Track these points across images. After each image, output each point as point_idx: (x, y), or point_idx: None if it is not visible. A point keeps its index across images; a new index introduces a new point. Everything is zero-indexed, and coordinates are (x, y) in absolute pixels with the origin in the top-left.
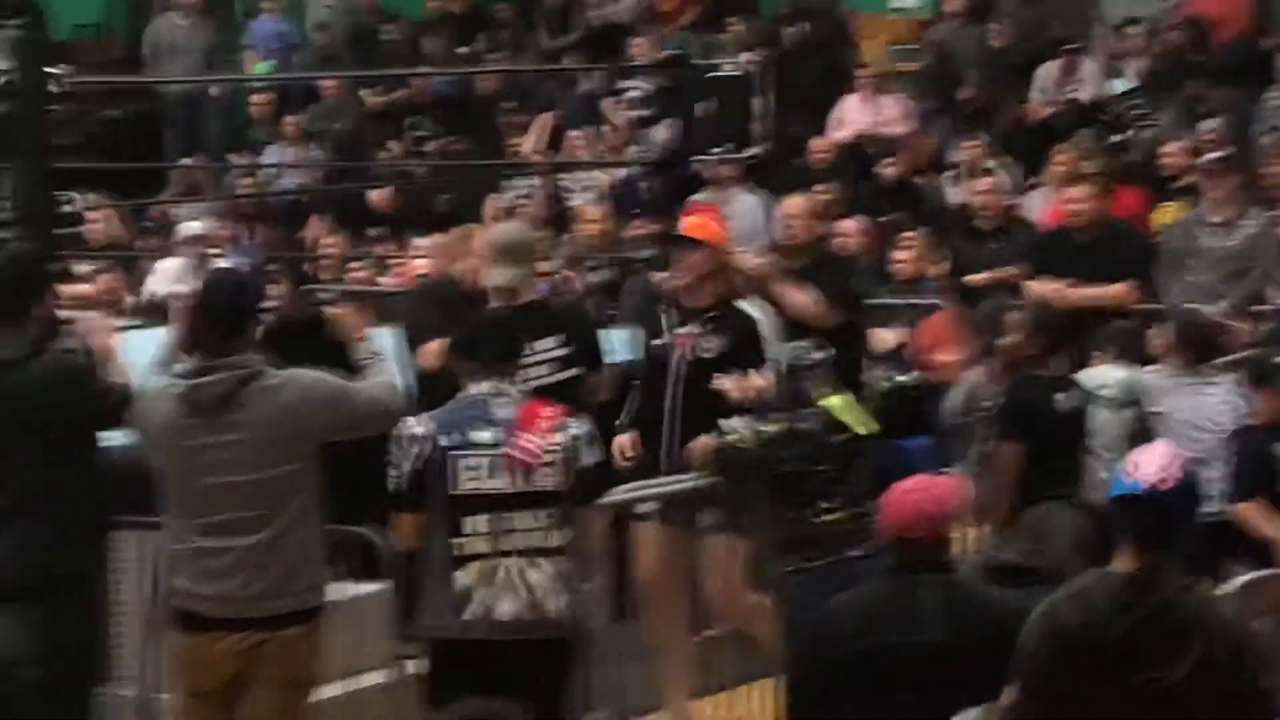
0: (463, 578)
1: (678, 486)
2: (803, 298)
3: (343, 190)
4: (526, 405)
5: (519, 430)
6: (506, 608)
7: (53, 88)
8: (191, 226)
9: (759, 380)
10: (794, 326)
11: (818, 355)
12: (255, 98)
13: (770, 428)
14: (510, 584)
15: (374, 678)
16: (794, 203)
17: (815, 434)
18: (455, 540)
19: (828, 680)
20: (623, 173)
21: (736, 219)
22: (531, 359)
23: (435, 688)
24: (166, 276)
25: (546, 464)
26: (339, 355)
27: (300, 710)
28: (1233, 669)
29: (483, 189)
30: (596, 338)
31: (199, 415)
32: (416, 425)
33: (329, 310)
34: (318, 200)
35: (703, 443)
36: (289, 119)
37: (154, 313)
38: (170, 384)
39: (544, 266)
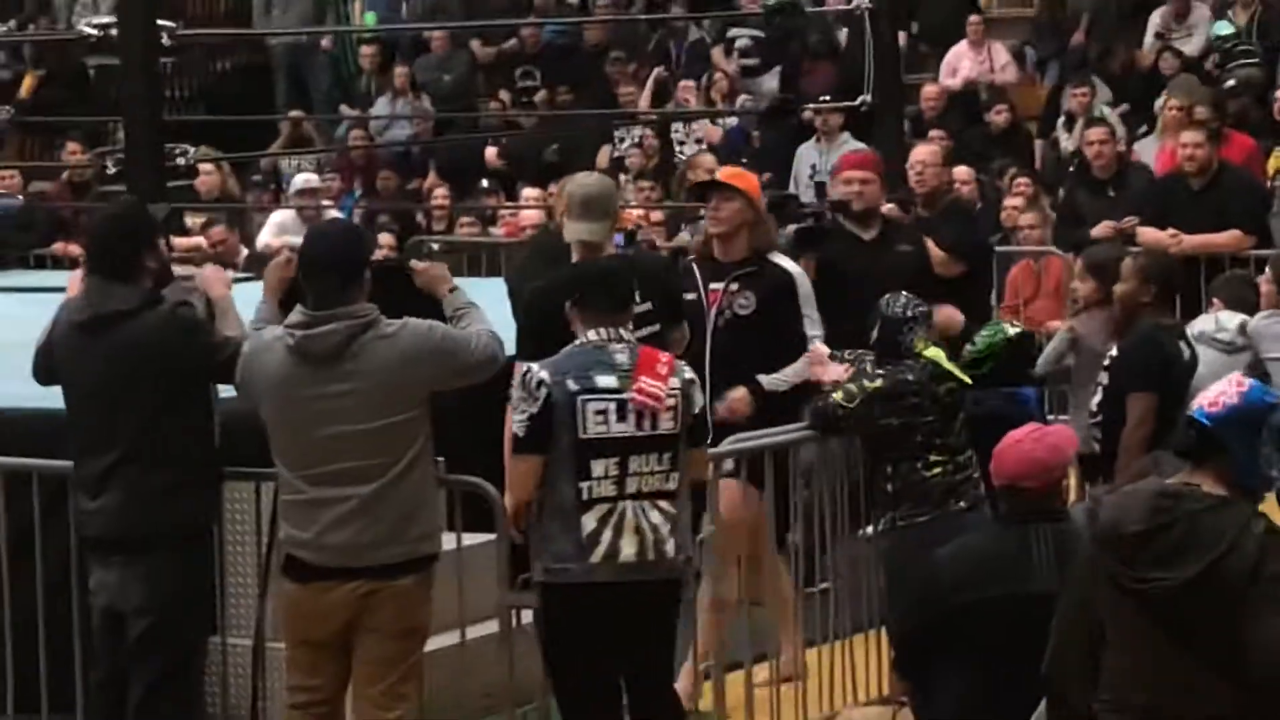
0: (589, 521)
1: (782, 438)
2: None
3: (451, 141)
4: (643, 351)
5: (640, 375)
6: (629, 550)
7: (163, 41)
8: (301, 179)
9: (834, 368)
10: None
11: (920, 308)
12: (364, 49)
13: (875, 384)
14: (633, 526)
15: (485, 628)
16: (923, 150)
17: (921, 386)
18: (582, 484)
19: (937, 631)
20: (732, 122)
21: None
22: None
23: (555, 633)
24: (277, 229)
25: (668, 407)
26: (434, 307)
27: (412, 659)
28: (1240, 584)
29: (591, 140)
30: (677, 292)
31: (312, 366)
32: (541, 371)
33: (414, 264)
34: (426, 151)
35: (740, 395)
36: (398, 70)
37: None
38: (281, 335)
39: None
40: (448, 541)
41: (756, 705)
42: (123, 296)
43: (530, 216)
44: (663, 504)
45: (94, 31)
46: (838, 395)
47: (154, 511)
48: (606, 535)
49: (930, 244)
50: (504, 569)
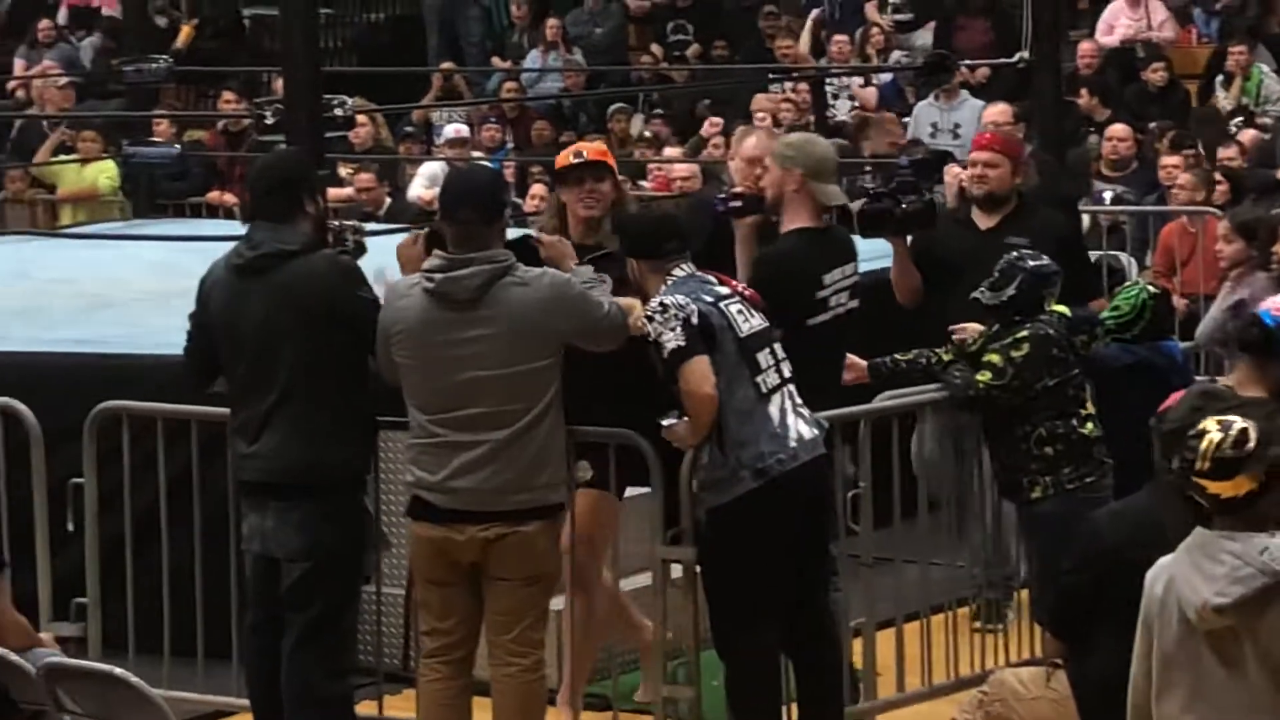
0: (774, 411)
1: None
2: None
3: (602, 95)
4: (709, 272)
5: (729, 282)
6: (805, 428)
7: None
8: (452, 129)
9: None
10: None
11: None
12: (515, 2)
13: (1022, 350)
14: (799, 408)
15: (640, 580)
16: (993, 110)
17: (1063, 338)
18: (757, 379)
19: (1098, 592)
20: (886, 78)
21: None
22: (830, 288)
23: (755, 536)
24: (428, 180)
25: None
26: None
27: (541, 606)
28: None
29: (742, 94)
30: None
31: (451, 309)
32: (665, 298)
33: (540, 237)
34: (577, 105)
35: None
36: (550, 23)
37: (417, 216)
38: (418, 280)
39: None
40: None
41: (907, 664)
42: (283, 239)
43: (680, 170)
44: (793, 386)
45: None
46: (984, 375)
47: (310, 456)
48: (790, 419)
49: None
50: (658, 522)
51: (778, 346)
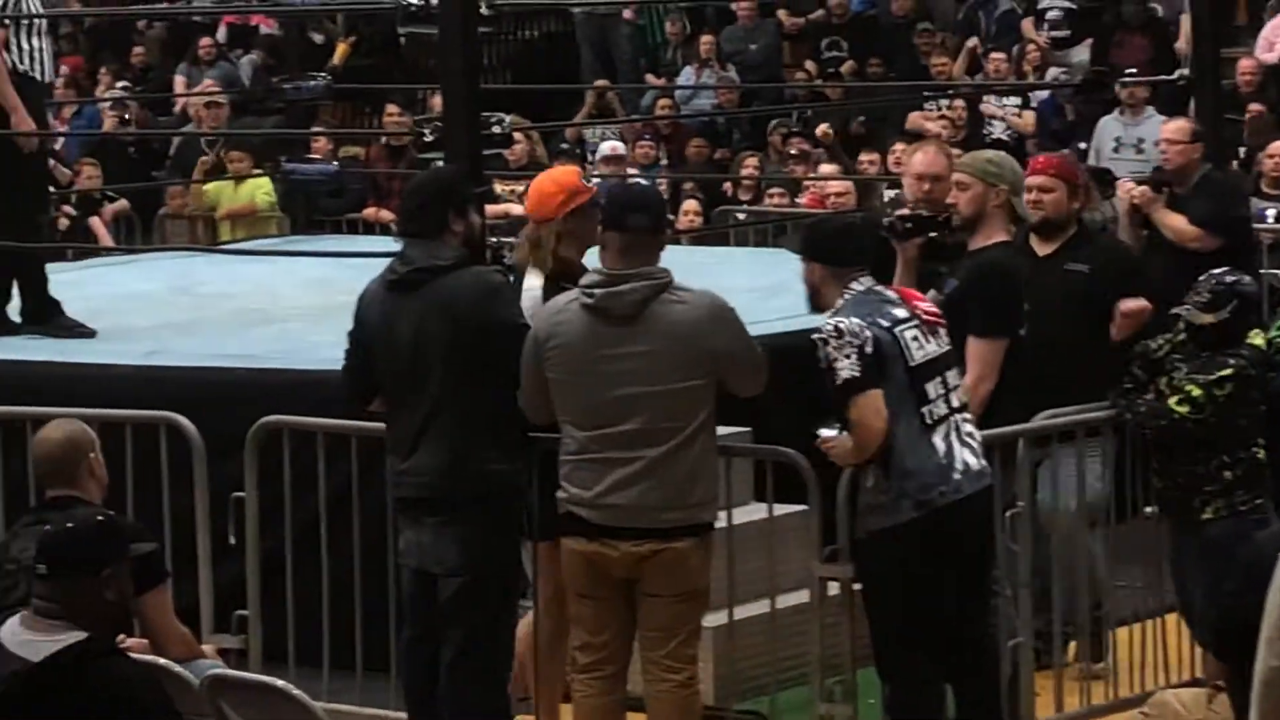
0: (939, 442)
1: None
2: (1177, 222)
3: (757, 112)
4: (890, 288)
5: (910, 301)
6: (972, 459)
7: (481, 10)
8: (608, 145)
9: None
10: (1177, 252)
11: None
12: (670, 19)
13: (1226, 389)
14: (965, 438)
15: (795, 598)
16: (1169, 126)
17: (1260, 377)
18: (923, 409)
19: (1260, 614)
20: (1044, 95)
21: (1148, 140)
22: None
23: (915, 567)
24: None
25: (942, 323)
26: None
27: (694, 622)
28: None
29: (896, 111)
30: None
31: (610, 324)
32: (849, 320)
33: None
34: (731, 121)
35: None
36: (704, 39)
37: None
38: (576, 295)
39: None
40: (758, 511)
41: (1065, 686)
42: (435, 254)
43: (835, 187)
44: (967, 413)
45: (415, 1)
46: (1181, 407)
47: (464, 470)
48: (957, 449)
49: (1180, 221)
50: (815, 539)
51: (950, 375)
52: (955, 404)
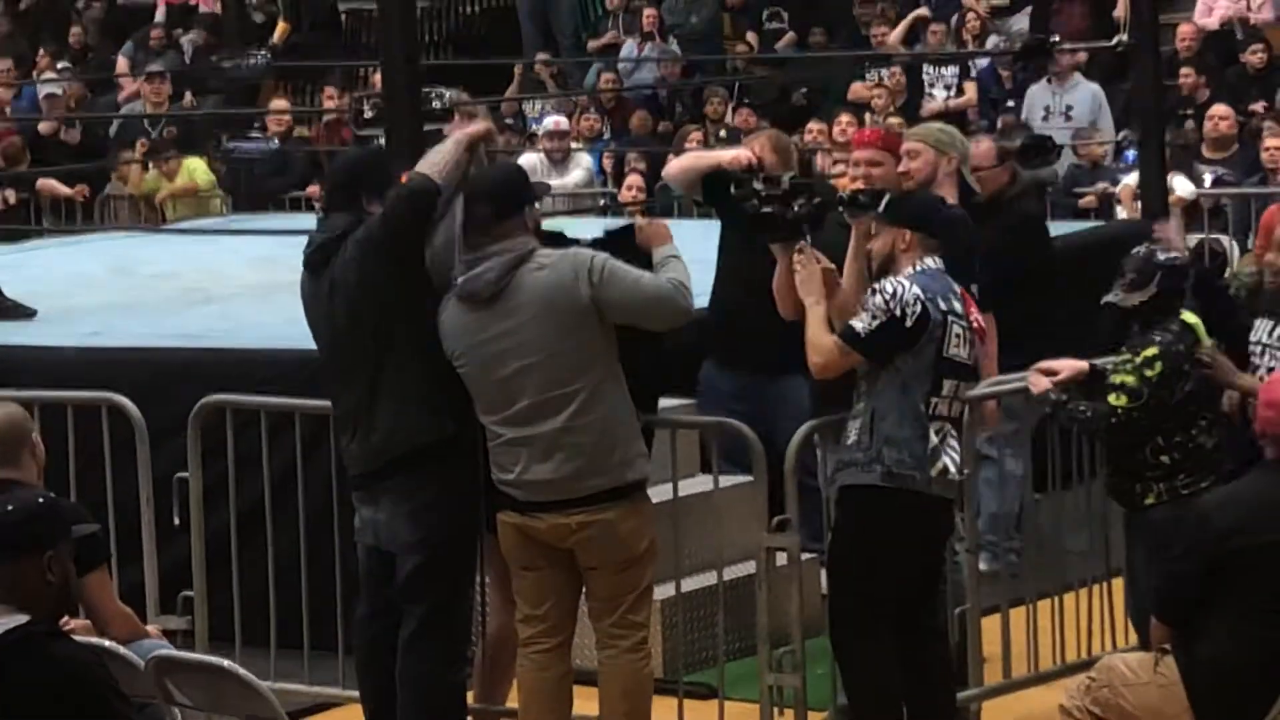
0: (932, 435)
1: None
2: None
3: (699, 84)
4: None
5: (968, 303)
6: (950, 467)
7: None
8: (550, 120)
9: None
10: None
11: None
12: None
13: (1155, 369)
14: (949, 446)
15: (744, 569)
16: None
17: (1189, 352)
18: (933, 398)
19: (1205, 578)
20: (983, 62)
21: (1076, 107)
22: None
23: (873, 536)
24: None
25: (982, 336)
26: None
27: (640, 587)
28: None
29: (838, 83)
30: None
31: (478, 308)
32: (914, 288)
33: (637, 221)
34: (674, 94)
35: None
36: (647, 12)
37: None
38: (454, 287)
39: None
40: (704, 483)
41: (1013, 650)
42: (332, 229)
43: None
44: (956, 431)
45: None
46: (1119, 399)
47: (405, 441)
48: (940, 451)
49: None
50: (762, 510)
51: (963, 388)
52: (956, 415)
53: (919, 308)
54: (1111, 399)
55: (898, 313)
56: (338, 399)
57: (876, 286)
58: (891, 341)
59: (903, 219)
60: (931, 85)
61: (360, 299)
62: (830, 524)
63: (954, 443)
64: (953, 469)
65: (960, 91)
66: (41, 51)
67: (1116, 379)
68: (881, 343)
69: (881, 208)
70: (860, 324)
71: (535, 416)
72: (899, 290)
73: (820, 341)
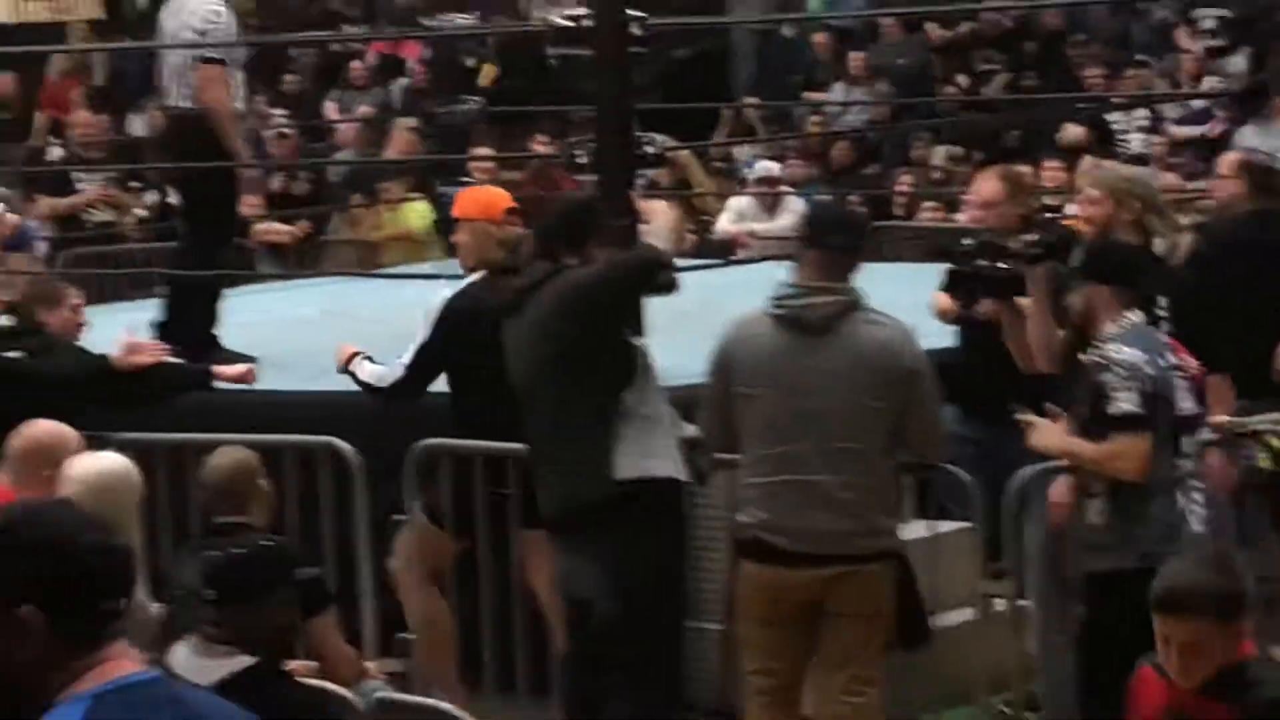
0: (1180, 501)
1: None
2: None
3: (909, 127)
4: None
5: (1180, 351)
6: (1196, 528)
7: (634, 30)
8: (762, 166)
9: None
10: None
11: None
12: (818, 36)
13: None
14: (1193, 501)
15: (961, 615)
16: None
17: None
18: (1178, 461)
19: None
20: (1198, 104)
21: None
22: None
23: (1133, 623)
24: (735, 215)
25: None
26: None
27: (877, 643)
28: None
29: (1050, 124)
30: None
31: (802, 336)
32: (1134, 351)
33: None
34: (884, 137)
35: None
36: (853, 55)
37: (722, 250)
38: (767, 308)
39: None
40: (921, 529)
41: None
42: (535, 272)
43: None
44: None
45: (566, 23)
46: (1264, 460)
47: (595, 488)
48: (1189, 515)
49: None
50: (979, 557)
51: (1198, 436)
52: (1192, 468)
53: (1149, 372)
54: (1260, 459)
55: (1145, 385)
56: (530, 442)
57: (1099, 360)
58: (1155, 411)
59: (1100, 274)
60: (1124, 133)
61: (560, 349)
62: (1083, 611)
63: (1198, 498)
64: (1198, 527)
65: (1156, 133)
66: (257, 97)
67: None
68: (1151, 414)
69: (1079, 262)
70: (1127, 403)
71: (819, 463)
72: (1125, 361)
73: (1122, 449)
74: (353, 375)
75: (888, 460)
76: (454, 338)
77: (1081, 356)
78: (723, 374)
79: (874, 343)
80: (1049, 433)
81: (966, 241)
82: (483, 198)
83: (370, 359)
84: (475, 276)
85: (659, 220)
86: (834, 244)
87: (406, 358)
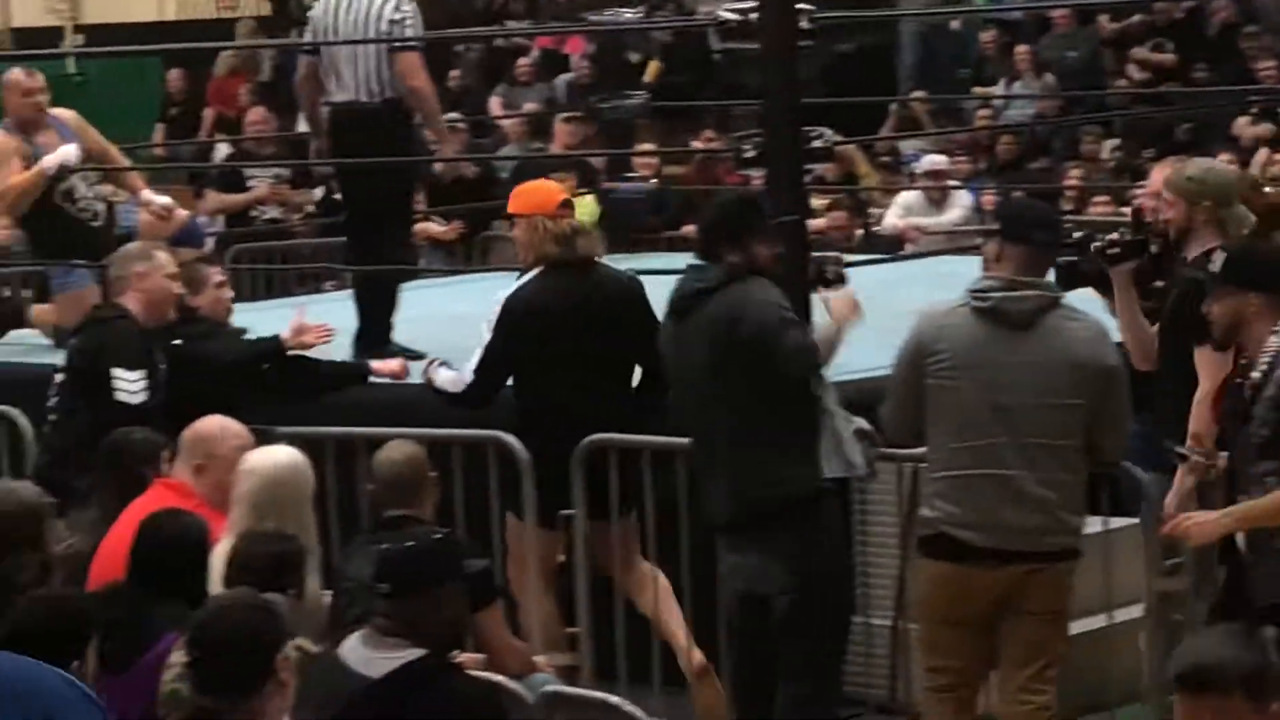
0: None
1: None
2: None
3: (1078, 121)
4: None
5: None
6: None
7: (801, 24)
8: (929, 160)
9: None
10: None
11: None
12: (984, 33)
13: None
14: None
15: (1130, 612)
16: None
17: None
18: None
19: None
20: None
21: None
22: None
23: None
24: (902, 210)
25: None
26: None
27: (1059, 643)
28: None
29: (1222, 117)
30: None
31: (1004, 330)
32: None
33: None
34: (1052, 130)
35: None
36: (1020, 49)
37: (889, 246)
38: (967, 300)
39: None
40: (1094, 524)
41: None
42: (701, 278)
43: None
44: None
45: (733, 17)
46: None
47: (774, 483)
48: None
49: None
50: (1152, 553)
51: None
52: None
53: None
54: None
55: None
56: (697, 443)
57: (1264, 363)
58: None
59: (1246, 281)
60: None
61: (721, 359)
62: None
63: None
64: None
65: None
66: None
67: None
68: None
69: (1219, 268)
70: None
71: (1014, 457)
72: None
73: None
74: (429, 382)
75: (1080, 457)
76: (515, 335)
77: (1251, 375)
78: (915, 366)
79: (1075, 340)
80: (1207, 526)
81: (1076, 235)
82: (536, 192)
83: (446, 364)
84: (532, 273)
85: (839, 309)
86: (1038, 240)
87: (473, 362)
